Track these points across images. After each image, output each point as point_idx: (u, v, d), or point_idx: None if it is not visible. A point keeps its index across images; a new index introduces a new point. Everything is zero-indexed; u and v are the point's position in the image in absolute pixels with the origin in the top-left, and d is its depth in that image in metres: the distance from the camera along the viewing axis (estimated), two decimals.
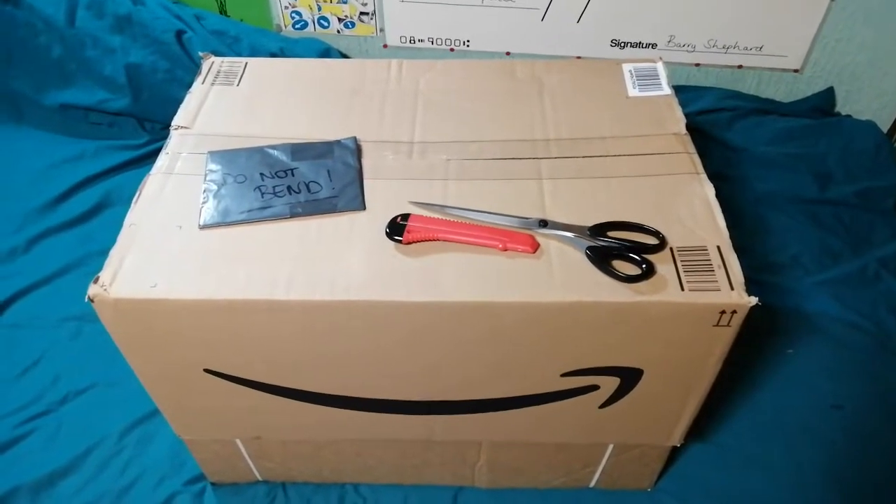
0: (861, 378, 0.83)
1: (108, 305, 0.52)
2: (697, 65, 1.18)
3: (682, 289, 0.50)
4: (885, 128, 1.17)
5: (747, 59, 1.16)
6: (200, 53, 0.75)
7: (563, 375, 0.57)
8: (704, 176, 0.59)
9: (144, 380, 0.60)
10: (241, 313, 0.52)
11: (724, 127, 1.11)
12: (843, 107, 1.19)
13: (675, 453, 0.75)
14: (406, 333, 0.54)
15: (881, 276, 0.93)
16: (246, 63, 0.74)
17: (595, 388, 0.58)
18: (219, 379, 0.59)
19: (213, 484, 0.79)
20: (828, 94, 1.16)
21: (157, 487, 0.78)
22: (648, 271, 0.51)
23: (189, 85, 1.14)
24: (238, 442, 0.70)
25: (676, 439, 0.65)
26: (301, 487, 0.78)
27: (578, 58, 1.20)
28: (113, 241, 1.12)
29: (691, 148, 0.62)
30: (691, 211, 0.56)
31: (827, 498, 0.75)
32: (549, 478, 0.75)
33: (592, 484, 0.76)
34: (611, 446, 0.69)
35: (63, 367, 0.89)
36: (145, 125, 1.18)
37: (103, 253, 1.01)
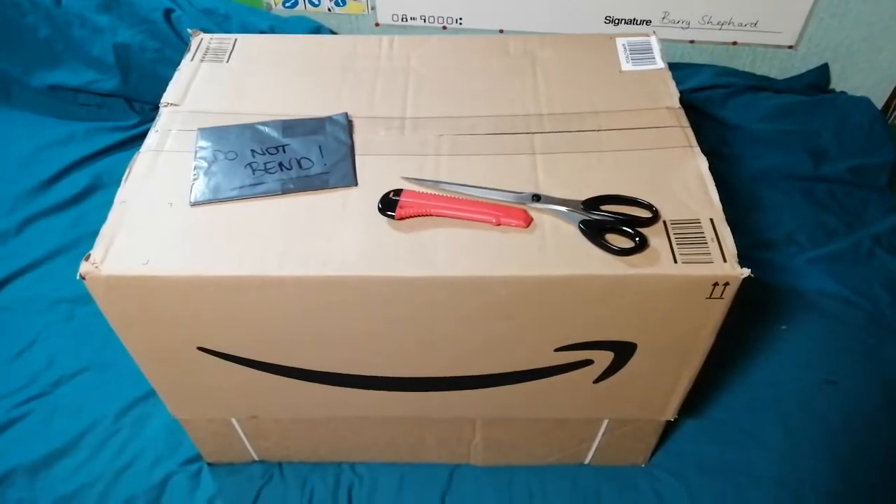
0: (855, 354, 0.84)
1: (100, 283, 0.52)
2: (692, 41, 1.17)
3: (675, 261, 0.50)
4: (879, 104, 1.17)
5: (742, 35, 1.15)
6: (189, 30, 0.74)
7: (557, 350, 0.57)
8: (698, 149, 0.59)
9: (138, 358, 0.60)
10: (234, 289, 0.52)
11: (719, 104, 1.11)
12: (837, 83, 1.19)
13: (669, 429, 0.76)
14: (399, 309, 0.54)
15: (875, 252, 0.93)
16: (235, 39, 0.73)
17: (589, 362, 0.58)
18: (212, 357, 0.59)
19: (209, 464, 0.79)
20: (822, 71, 1.16)
21: (153, 468, 0.78)
22: (641, 244, 0.51)
23: (178, 64, 1.13)
24: (234, 421, 0.70)
25: (670, 413, 0.65)
26: (298, 467, 0.78)
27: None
28: (105, 222, 1.11)
29: (685, 122, 0.62)
30: (684, 184, 0.56)
31: (820, 470, 0.75)
32: (544, 454, 0.75)
33: (587, 460, 0.76)
34: (605, 422, 0.69)
35: (57, 350, 0.88)
36: (135, 106, 1.17)
37: (95, 235, 1.01)
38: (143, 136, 1.13)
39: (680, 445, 0.78)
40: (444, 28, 1.20)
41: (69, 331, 0.90)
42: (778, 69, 1.18)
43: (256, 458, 0.78)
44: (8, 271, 0.96)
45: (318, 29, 1.16)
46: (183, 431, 0.74)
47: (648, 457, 0.77)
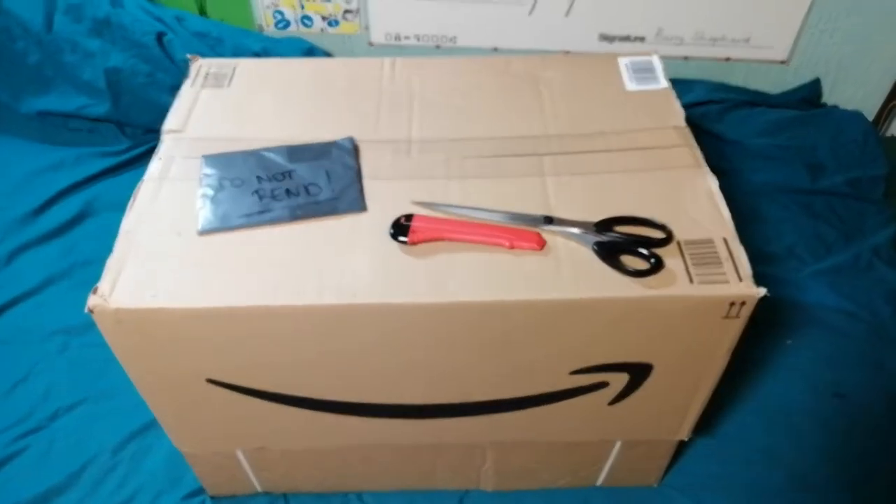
0: (861, 367, 0.84)
1: (109, 316, 0.50)
2: (686, 58, 1.18)
3: (692, 282, 0.50)
4: (870, 117, 1.18)
5: (735, 51, 1.17)
6: (188, 55, 0.73)
7: (573, 373, 0.56)
8: (706, 168, 0.59)
9: (144, 391, 0.58)
10: (246, 320, 0.51)
11: (715, 119, 1.11)
12: (829, 97, 1.20)
13: (680, 448, 0.75)
14: (415, 335, 0.53)
15: (874, 264, 0.94)
16: (236, 65, 0.72)
17: (604, 384, 0.58)
18: (222, 389, 0.57)
19: (212, 497, 0.77)
20: (814, 85, 1.17)
21: (154, 503, 0.76)
22: (657, 265, 0.50)
23: (171, 88, 1.12)
24: (239, 453, 0.69)
25: (685, 433, 0.65)
26: (303, 498, 0.76)
27: (567, 52, 1.19)
28: (97, 250, 1.09)
29: (692, 141, 0.62)
30: (696, 204, 0.55)
31: (831, 486, 0.75)
32: (555, 478, 0.74)
33: (599, 482, 0.75)
34: (618, 443, 0.68)
35: (52, 382, 0.86)
36: (126, 130, 1.16)
37: (88, 263, 0.98)
38: (134, 160, 1.14)
39: (691, 464, 0.77)
40: (438, 47, 1.20)
41: (64, 362, 0.88)
42: (771, 84, 1.19)
43: (261, 490, 0.77)
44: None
45: (311, 50, 1.16)
46: (184, 464, 0.72)
47: (661, 477, 0.76)
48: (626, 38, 1.17)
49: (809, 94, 1.17)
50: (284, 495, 0.77)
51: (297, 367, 0.56)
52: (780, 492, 0.75)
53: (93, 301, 0.50)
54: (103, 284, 0.51)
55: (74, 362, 0.88)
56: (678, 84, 1.18)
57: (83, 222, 1.05)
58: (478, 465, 0.72)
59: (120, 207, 1.07)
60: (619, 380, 0.57)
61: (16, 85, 1.11)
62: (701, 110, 1.12)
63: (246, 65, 0.72)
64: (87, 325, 0.92)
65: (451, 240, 0.53)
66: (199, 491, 0.77)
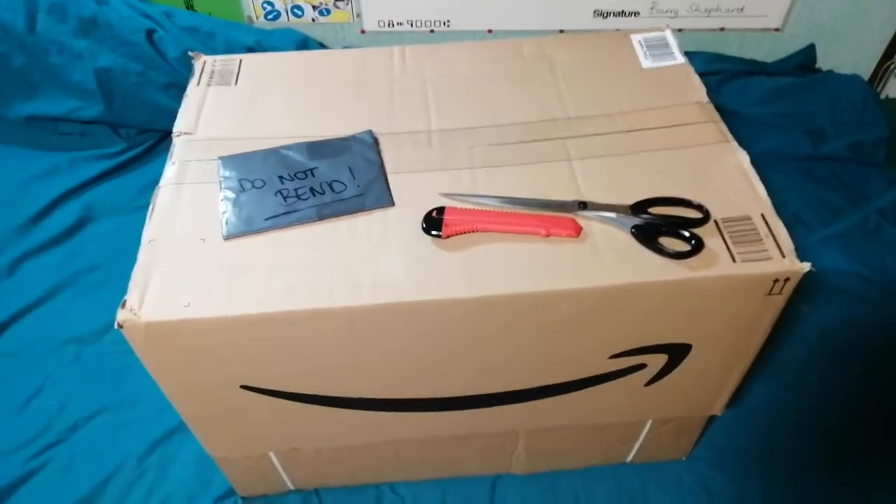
0: (878, 329, 0.85)
1: (140, 330, 0.49)
2: (680, 30, 1.17)
3: (734, 261, 0.50)
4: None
5: (729, 21, 1.16)
6: (190, 53, 0.71)
7: (611, 357, 0.56)
8: (735, 143, 0.58)
9: (176, 401, 0.57)
10: (283, 326, 0.50)
11: (713, 91, 1.10)
12: (823, 62, 1.20)
13: (707, 421, 0.75)
14: (455, 331, 0.52)
15: (882, 226, 0.95)
16: (241, 60, 0.70)
17: (642, 366, 0.57)
18: (256, 394, 0.56)
19: (243, 499, 0.76)
20: (809, 51, 1.17)
21: None
22: (698, 246, 0.50)
23: (165, 87, 1.09)
24: (272, 454, 0.68)
25: (719, 409, 0.65)
26: (335, 492, 0.76)
27: (562, 31, 1.18)
28: (100, 255, 1.07)
29: (716, 116, 0.61)
30: (729, 180, 0.55)
31: (860, 448, 0.76)
32: (586, 458, 0.75)
33: (629, 459, 0.76)
34: (650, 421, 0.68)
35: (68, 394, 0.85)
36: (120, 132, 1.13)
37: (92, 269, 0.96)
38: (131, 162, 1.12)
39: (716, 436, 0.78)
40: (432, 32, 1.18)
41: (78, 372, 0.87)
42: (766, 52, 1.19)
43: (292, 488, 0.76)
44: (5, 315, 0.92)
45: (304, 41, 1.14)
46: (213, 466, 0.71)
47: (690, 451, 0.76)
48: (621, 14, 1.16)
49: (804, 61, 1.17)
50: (316, 491, 0.76)
51: (334, 369, 0.55)
52: (804, 459, 0.76)
53: (122, 316, 0.48)
54: (131, 297, 0.49)
55: (89, 371, 0.87)
56: None
57: (83, 228, 1.03)
58: (510, 451, 0.72)
59: (120, 211, 1.05)
60: (658, 361, 0.57)
61: (1, 90, 1.07)
62: None
63: (251, 60, 0.70)
64: (99, 333, 0.91)
65: (485, 231, 0.53)
66: (230, 493, 0.76)
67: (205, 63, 0.70)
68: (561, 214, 0.53)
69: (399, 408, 0.60)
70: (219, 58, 0.70)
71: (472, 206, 0.55)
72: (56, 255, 1.00)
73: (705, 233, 0.51)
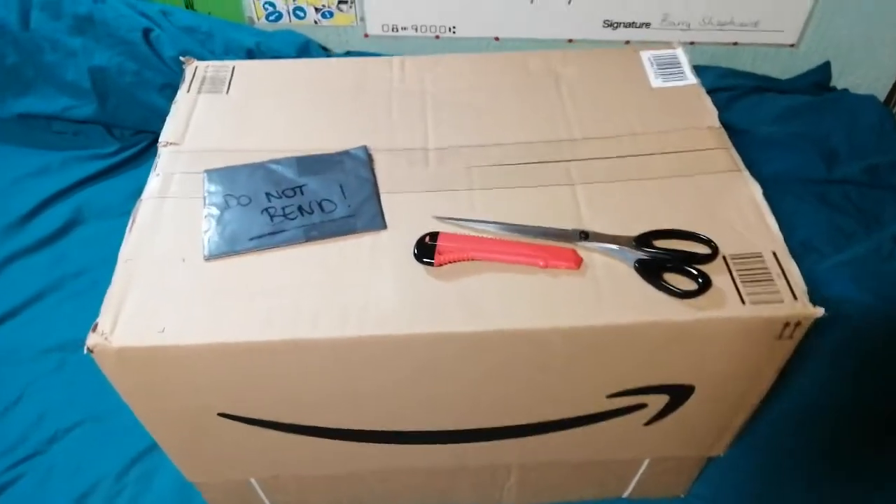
0: (891, 361, 0.81)
1: (111, 356, 0.46)
2: (692, 43, 1.14)
3: (743, 302, 0.47)
4: (880, 99, 1.15)
5: (743, 35, 1.13)
6: (182, 58, 0.68)
7: (610, 396, 0.53)
8: (747, 173, 0.55)
9: (151, 427, 0.54)
10: (263, 355, 0.47)
11: (724, 107, 1.05)
12: (838, 80, 1.17)
13: (708, 458, 0.72)
14: (445, 364, 0.49)
15: None
16: (234, 67, 0.67)
17: (642, 406, 0.54)
18: (234, 422, 0.54)
19: None
20: (824, 69, 1.14)
21: None
22: (705, 285, 0.47)
23: (160, 87, 1.06)
24: (252, 480, 0.65)
25: (721, 449, 0.62)
26: None
27: (570, 41, 1.15)
28: (89, 260, 1.04)
29: (727, 142, 0.58)
30: (740, 213, 0.52)
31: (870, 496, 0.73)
32: (581, 492, 0.72)
33: (626, 494, 0.73)
34: (648, 459, 0.65)
35: (48, 404, 0.82)
36: (114, 132, 1.11)
37: (79, 274, 0.93)
38: (123, 163, 1.09)
39: (717, 474, 0.75)
40: (437, 38, 1.15)
41: (60, 381, 0.84)
42: (780, 69, 1.16)
43: None
44: None
45: (306, 43, 1.11)
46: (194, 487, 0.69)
47: (689, 488, 0.73)
48: (632, 25, 1.13)
49: (820, 79, 1.14)
50: None
51: (318, 399, 0.52)
52: (806, 501, 0.73)
53: (92, 340, 0.46)
54: (103, 321, 0.47)
55: (71, 381, 0.84)
56: None
57: (73, 230, 1.00)
58: (501, 483, 0.69)
59: (110, 214, 1.02)
60: (658, 401, 0.54)
61: None
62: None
63: (244, 67, 0.67)
64: (84, 341, 0.89)
65: (479, 259, 0.50)
66: None
67: (196, 69, 0.67)
68: (561, 244, 0.50)
69: (386, 439, 0.57)
70: (211, 64, 0.68)
71: (467, 232, 0.52)
72: (43, 257, 0.97)
73: (713, 270, 0.48)
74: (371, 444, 0.58)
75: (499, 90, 0.64)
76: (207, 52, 1.02)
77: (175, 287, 0.49)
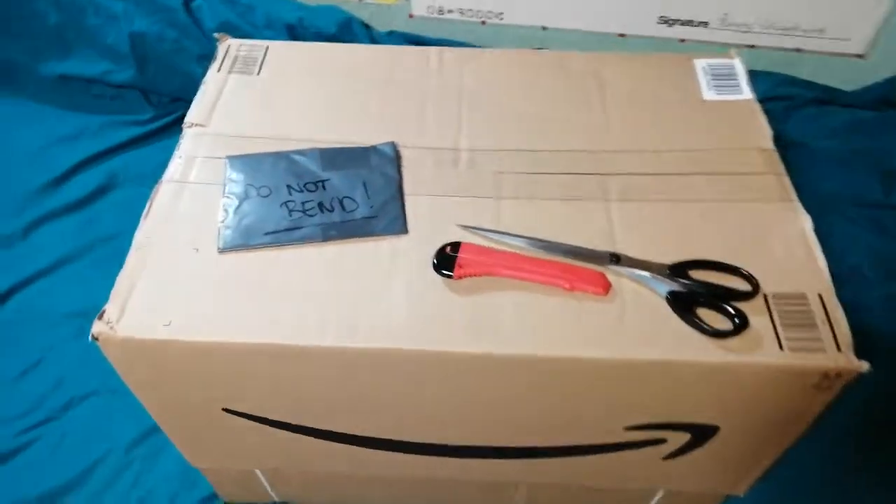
0: None
1: (115, 345, 0.45)
2: (751, 46, 1.08)
3: (781, 347, 0.43)
4: None
5: (807, 42, 1.06)
6: (216, 35, 0.66)
7: (628, 429, 0.50)
8: (798, 204, 0.51)
9: (156, 416, 0.54)
10: (268, 357, 0.46)
11: (780, 118, 1.02)
12: None
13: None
14: (454, 383, 0.47)
15: None
16: (267, 47, 0.65)
17: (661, 441, 0.52)
18: (239, 418, 0.52)
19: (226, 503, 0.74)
20: (893, 83, 1.07)
21: None
22: (741, 325, 0.43)
23: (198, 58, 1.05)
24: (256, 469, 0.65)
25: (743, 489, 0.59)
26: None
27: (622, 35, 1.10)
28: (120, 225, 1.03)
29: (780, 168, 0.54)
30: (786, 248, 0.48)
31: None
32: None
33: None
34: (663, 491, 0.63)
35: (66, 370, 0.83)
36: (151, 98, 1.10)
37: (110, 239, 0.92)
38: (158, 131, 1.08)
39: None
40: (483, 23, 1.11)
41: (79, 349, 0.84)
42: (844, 80, 1.09)
43: (276, 500, 0.73)
44: (13, 280, 0.90)
45: (348, 21, 1.08)
46: None
47: None
48: (689, 23, 1.07)
49: (887, 93, 1.06)
50: None
51: (323, 403, 0.51)
52: None
53: (98, 328, 0.45)
54: (111, 308, 0.46)
55: (90, 349, 0.83)
56: None
57: (106, 195, 1.01)
58: (508, 497, 0.67)
59: (144, 181, 1.01)
60: (679, 438, 0.51)
61: (34, 47, 1.05)
62: (765, 107, 1.02)
63: (278, 49, 0.65)
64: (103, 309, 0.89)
65: (501, 276, 0.47)
66: (214, 496, 0.73)
67: (229, 47, 0.65)
68: (590, 266, 0.47)
69: (391, 448, 0.56)
70: (244, 43, 0.66)
71: (491, 244, 0.49)
72: (74, 220, 0.98)
73: (751, 309, 0.45)
74: (376, 451, 0.56)
75: (538, 92, 0.61)
76: (248, 25, 1.00)
77: (186, 278, 0.48)
